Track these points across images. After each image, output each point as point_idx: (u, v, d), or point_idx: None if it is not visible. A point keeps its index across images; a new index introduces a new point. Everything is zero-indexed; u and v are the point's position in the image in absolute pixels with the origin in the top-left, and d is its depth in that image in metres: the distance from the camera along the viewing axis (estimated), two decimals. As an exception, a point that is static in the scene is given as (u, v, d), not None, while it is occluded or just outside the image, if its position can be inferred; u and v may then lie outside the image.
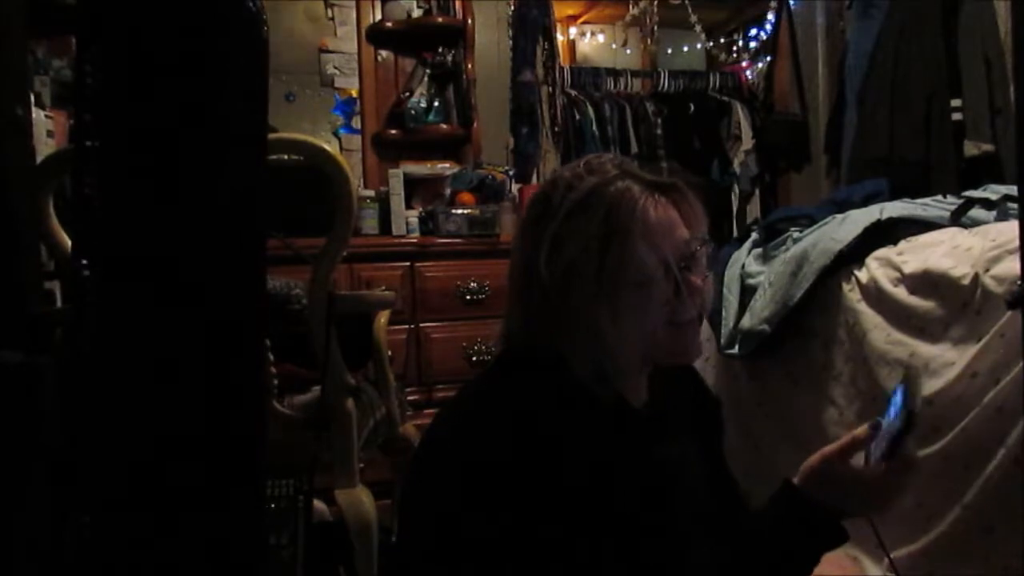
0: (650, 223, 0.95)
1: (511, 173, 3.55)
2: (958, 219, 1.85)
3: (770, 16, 4.11)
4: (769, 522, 0.97)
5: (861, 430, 0.95)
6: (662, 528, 0.95)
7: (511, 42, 3.75)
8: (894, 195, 2.22)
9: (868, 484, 0.93)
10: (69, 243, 1.60)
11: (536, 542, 0.87)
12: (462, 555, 0.89)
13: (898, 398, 0.92)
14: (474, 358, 3.13)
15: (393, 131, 3.67)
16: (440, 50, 3.66)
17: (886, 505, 0.94)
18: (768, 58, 4.10)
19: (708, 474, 1.11)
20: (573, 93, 3.81)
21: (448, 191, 3.51)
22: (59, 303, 1.92)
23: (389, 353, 2.13)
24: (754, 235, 2.34)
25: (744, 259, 2.26)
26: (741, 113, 3.99)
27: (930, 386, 1.59)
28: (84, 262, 0.84)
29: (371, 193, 3.44)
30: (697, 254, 0.99)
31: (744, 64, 4.30)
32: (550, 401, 0.93)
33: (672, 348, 0.99)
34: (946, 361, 1.57)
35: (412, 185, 3.50)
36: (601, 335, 0.94)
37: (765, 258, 2.19)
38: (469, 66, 3.67)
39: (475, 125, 3.64)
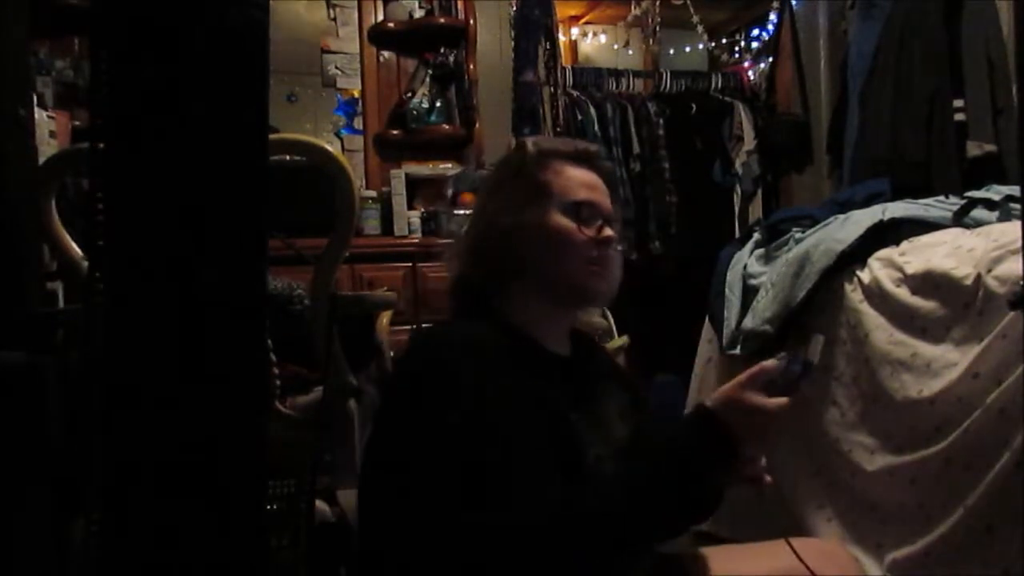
0: (572, 178, 1.19)
1: (513, 173, 3.54)
2: (960, 219, 1.85)
3: (772, 16, 4.10)
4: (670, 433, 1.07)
5: (770, 362, 1.03)
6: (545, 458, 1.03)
7: (513, 43, 3.75)
8: (896, 195, 2.22)
9: (765, 413, 1.01)
10: (71, 244, 1.60)
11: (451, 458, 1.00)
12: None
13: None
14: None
15: (395, 131, 3.67)
16: (442, 50, 3.66)
17: (767, 433, 1.04)
18: (770, 58, 4.09)
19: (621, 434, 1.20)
20: (575, 93, 3.80)
21: (450, 192, 3.50)
22: (61, 304, 1.92)
23: (391, 354, 2.13)
24: (756, 236, 2.34)
25: (746, 260, 2.26)
26: (743, 114, 3.98)
27: (932, 386, 1.59)
28: (91, 261, 0.84)
29: (373, 194, 3.44)
30: (613, 222, 1.20)
31: (746, 64, 4.29)
32: (479, 340, 1.09)
33: (586, 281, 1.17)
34: (948, 362, 1.57)
35: (414, 185, 3.50)
36: (533, 264, 1.15)
37: (767, 259, 2.19)
38: (471, 66, 3.67)
39: (477, 125, 3.64)
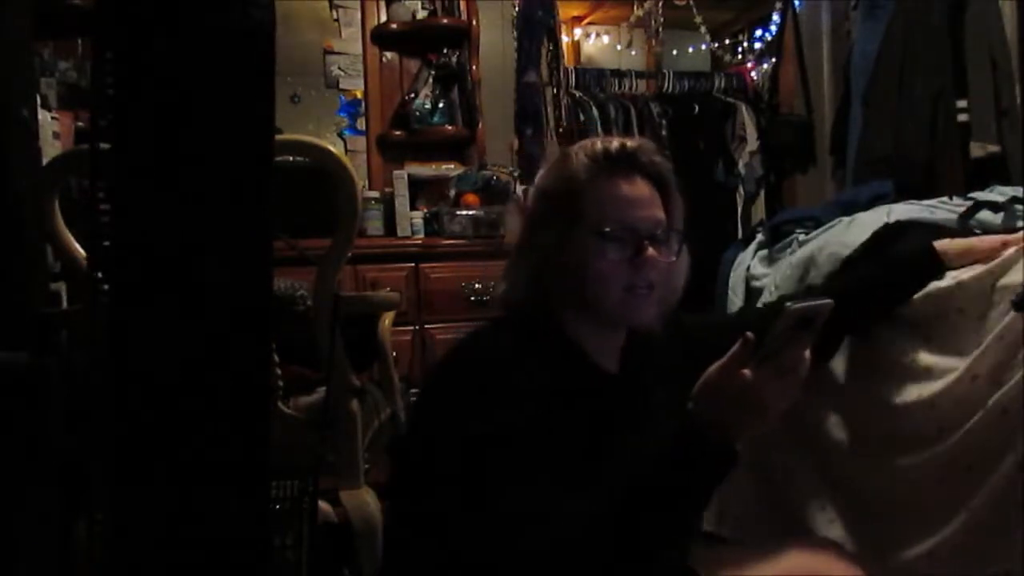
0: (607, 197, 1.13)
1: (516, 174, 3.55)
2: (967, 221, 1.85)
3: (775, 17, 4.09)
4: (662, 451, 1.02)
5: (739, 344, 0.98)
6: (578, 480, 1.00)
7: (516, 43, 3.75)
8: (899, 196, 2.22)
9: (749, 390, 0.98)
10: (75, 244, 1.60)
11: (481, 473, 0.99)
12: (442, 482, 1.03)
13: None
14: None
15: (398, 132, 3.68)
16: (445, 51, 3.66)
17: (763, 410, 1.00)
18: (773, 59, 4.09)
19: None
20: (578, 94, 3.80)
21: (453, 192, 3.51)
22: (65, 305, 1.93)
23: (394, 354, 2.14)
24: (759, 237, 2.33)
25: (749, 261, 2.25)
26: (746, 114, 3.98)
27: (932, 388, 1.59)
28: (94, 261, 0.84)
29: (376, 194, 3.45)
30: (659, 234, 1.17)
31: (749, 65, 4.29)
32: (525, 349, 1.08)
33: (624, 310, 1.13)
34: (948, 364, 1.57)
35: (417, 186, 3.50)
36: (572, 293, 1.13)
37: (770, 260, 2.19)
38: (474, 67, 3.67)
39: (480, 126, 3.65)
